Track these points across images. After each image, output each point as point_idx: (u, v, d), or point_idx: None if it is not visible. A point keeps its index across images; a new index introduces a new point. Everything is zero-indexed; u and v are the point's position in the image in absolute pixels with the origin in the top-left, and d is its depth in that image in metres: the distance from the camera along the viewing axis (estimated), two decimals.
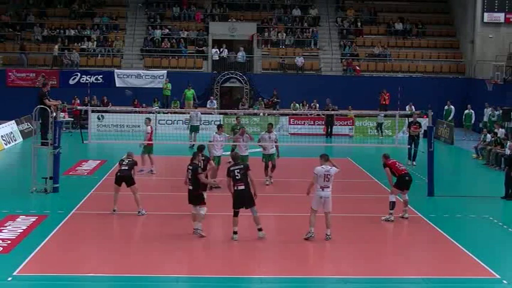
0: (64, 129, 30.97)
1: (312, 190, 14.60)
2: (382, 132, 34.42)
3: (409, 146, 24.76)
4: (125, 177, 16.53)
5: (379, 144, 31.44)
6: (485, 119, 33.33)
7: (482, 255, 13.69)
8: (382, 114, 33.08)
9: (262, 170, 20.66)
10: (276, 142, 20.67)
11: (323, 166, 14.53)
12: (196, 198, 14.78)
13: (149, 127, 22.41)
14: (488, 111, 33.23)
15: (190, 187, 14.82)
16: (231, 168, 14.46)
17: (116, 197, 16.66)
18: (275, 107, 36.53)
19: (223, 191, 17.95)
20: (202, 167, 15.74)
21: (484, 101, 34.09)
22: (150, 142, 22.20)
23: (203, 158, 16.27)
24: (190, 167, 14.87)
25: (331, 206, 14.55)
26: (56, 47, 38.73)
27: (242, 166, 14.45)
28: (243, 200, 14.29)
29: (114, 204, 16.67)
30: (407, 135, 24.10)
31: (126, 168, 16.64)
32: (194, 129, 29.25)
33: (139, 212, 16.53)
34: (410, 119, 25.34)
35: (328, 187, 14.42)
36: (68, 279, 12.01)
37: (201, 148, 16.37)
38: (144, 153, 22.42)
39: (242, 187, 14.24)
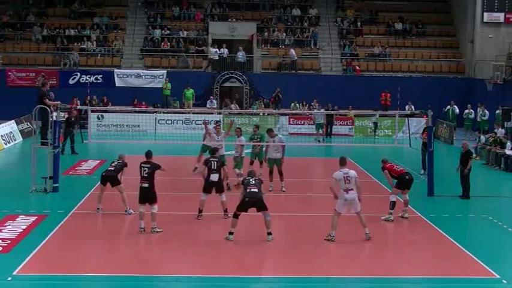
0: None
1: (337, 192, 14.60)
2: (375, 131, 34.36)
3: (424, 152, 23.77)
4: (108, 177, 16.83)
5: (379, 144, 31.43)
6: (478, 118, 33.25)
7: (482, 255, 13.69)
8: (377, 115, 33.08)
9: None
10: (283, 146, 19.75)
11: (341, 170, 14.62)
12: (151, 196, 15.00)
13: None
14: (479, 110, 33.13)
15: (146, 185, 14.99)
16: (248, 177, 14.90)
17: (101, 196, 16.93)
18: (278, 105, 36.38)
19: (231, 193, 18.00)
20: (216, 168, 16.17)
21: (484, 101, 34.01)
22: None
23: (216, 159, 16.49)
24: (147, 166, 15.09)
25: (360, 206, 14.61)
26: (214, 51, 38.91)
27: (258, 179, 14.93)
28: (254, 202, 14.37)
29: (98, 203, 16.91)
30: (421, 142, 23.49)
31: (112, 169, 16.94)
32: (319, 126, 32.88)
33: (126, 211, 16.70)
34: (424, 126, 24.60)
35: (352, 189, 14.48)
36: (67, 279, 12.02)
37: (213, 151, 17.11)
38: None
39: (255, 189, 14.46)
